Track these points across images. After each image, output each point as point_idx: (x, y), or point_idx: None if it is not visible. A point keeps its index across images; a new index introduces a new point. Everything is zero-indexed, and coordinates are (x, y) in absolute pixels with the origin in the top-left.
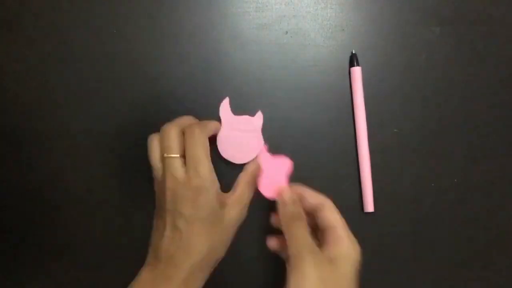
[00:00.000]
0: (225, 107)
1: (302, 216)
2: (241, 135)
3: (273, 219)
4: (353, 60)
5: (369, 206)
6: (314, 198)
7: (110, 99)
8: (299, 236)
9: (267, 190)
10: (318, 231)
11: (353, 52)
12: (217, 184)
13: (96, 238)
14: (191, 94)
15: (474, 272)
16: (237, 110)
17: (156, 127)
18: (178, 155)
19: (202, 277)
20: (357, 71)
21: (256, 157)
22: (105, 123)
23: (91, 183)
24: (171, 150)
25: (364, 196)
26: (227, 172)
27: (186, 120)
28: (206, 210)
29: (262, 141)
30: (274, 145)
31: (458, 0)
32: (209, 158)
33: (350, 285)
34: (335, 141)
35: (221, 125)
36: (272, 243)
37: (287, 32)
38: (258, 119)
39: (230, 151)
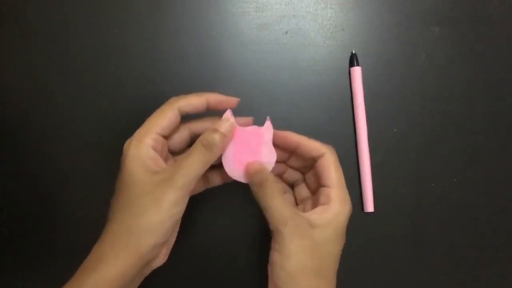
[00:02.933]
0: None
1: (270, 179)
2: (250, 150)
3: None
4: (353, 60)
5: (369, 206)
6: (311, 146)
7: (110, 99)
8: (272, 207)
9: (242, 173)
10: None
11: (353, 52)
12: (145, 148)
13: (96, 238)
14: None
15: (474, 272)
16: (237, 112)
17: None
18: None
19: (132, 263)
20: (357, 71)
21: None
22: (105, 123)
23: (91, 183)
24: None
25: (364, 196)
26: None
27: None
28: (128, 175)
29: (274, 154)
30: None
31: (458, 0)
32: (159, 123)
33: (334, 251)
34: (335, 141)
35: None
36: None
37: (287, 32)
38: (268, 129)
39: (239, 170)
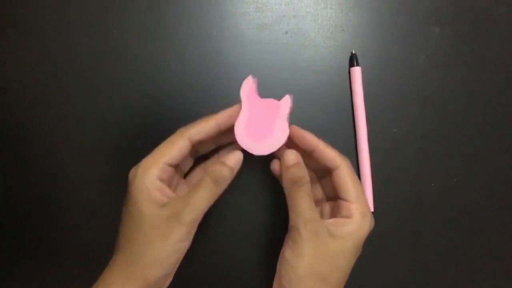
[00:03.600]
0: (247, 87)
1: (305, 181)
2: (263, 121)
3: (275, 166)
4: (353, 60)
5: (369, 206)
6: (327, 156)
7: (110, 99)
8: (299, 207)
9: (252, 143)
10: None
11: (353, 52)
12: (152, 177)
13: (96, 238)
14: (191, 94)
15: (474, 272)
16: None
17: (155, 127)
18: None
19: None
20: (357, 71)
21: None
22: (105, 122)
23: (91, 183)
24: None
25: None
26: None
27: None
28: (135, 205)
29: (287, 131)
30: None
31: (458, 0)
32: (166, 152)
33: (348, 262)
34: (335, 141)
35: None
36: (276, 166)
37: (287, 32)
38: (285, 104)
39: (248, 140)
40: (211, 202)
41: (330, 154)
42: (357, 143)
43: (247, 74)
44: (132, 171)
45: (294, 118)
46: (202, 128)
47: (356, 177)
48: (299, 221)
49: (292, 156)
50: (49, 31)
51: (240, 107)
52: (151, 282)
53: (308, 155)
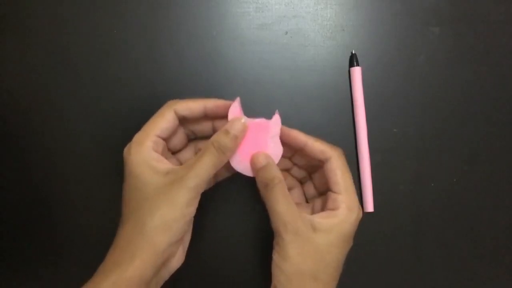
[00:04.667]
0: (235, 110)
1: (277, 182)
2: (255, 142)
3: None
4: (353, 60)
5: (369, 206)
6: (317, 149)
7: (109, 99)
8: (276, 210)
9: (247, 166)
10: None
11: (353, 52)
12: (147, 149)
13: (96, 238)
14: (191, 94)
15: (475, 272)
16: None
17: None
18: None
19: (150, 263)
20: (357, 71)
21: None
22: (105, 122)
23: (91, 183)
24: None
25: (364, 196)
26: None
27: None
28: (133, 177)
29: (281, 149)
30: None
31: (458, 0)
32: (160, 127)
33: (335, 256)
34: (335, 141)
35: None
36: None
37: (287, 32)
38: (276, 123)
39: (244, 163)
40: (215, 169)
41: (319, 147)
42: (357, 143)
43: (247, 74)
44: (126, 149)
45: (294, 118)
46: (189, 105)
47: (347, 168)
48: (279, 224)
49: (259, 159)
50: (49, 31)
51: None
52: (160, 249)
53: (298, 152)
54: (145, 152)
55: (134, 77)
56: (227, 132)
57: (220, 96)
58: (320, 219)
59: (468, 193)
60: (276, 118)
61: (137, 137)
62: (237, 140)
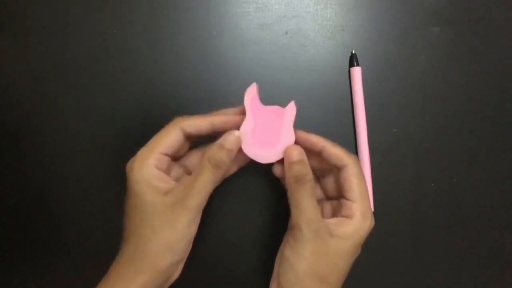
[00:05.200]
0: (251, 95)
1: (309, 179)
2: (268, 129)
3: (276, 170)
4: (353, 60)
5: (371, 206)
6: (334, 155)
7: (109, 99)
8: (302, 205)
9: (259, 152)
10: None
11: (353, 52)
12: (151, 170)
13: (96, 238)
14: (191, 94)
15: (474, 272)
16: None
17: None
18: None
19: (153, 283)
20: (357, 71)
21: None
22: (105, 122)
23: (91, 182)
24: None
25: None
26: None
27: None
28: (137, 198)
29: (294, 137)
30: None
31: (458, 0)
32: (164, 145)
33: (346, 263)
34: (335, 141)
35: (245, 116)
36: (278, 169)
37: (287, 32)
38: (290, 110)
39: (255, 148)
40: (215, 185)
41: (337, 153)
42: (357, 143)
43: (247, 74)
44: (129, 164)
45: (295, 118)
46: (196, 123)
47: (363, 176)
48: (302, 219)
49: (295, 152)
50: (49, 31)
51: (239, 115)
52: (162, 269)
53: (313, 155)
54: (147, 170)
55: (134, 77)
56: (221, 147)
57: (220, 95)
58: (336, 226)
59: (468, 193)
60: (292, 105)
61: (141, 153)
62: (232, 153)
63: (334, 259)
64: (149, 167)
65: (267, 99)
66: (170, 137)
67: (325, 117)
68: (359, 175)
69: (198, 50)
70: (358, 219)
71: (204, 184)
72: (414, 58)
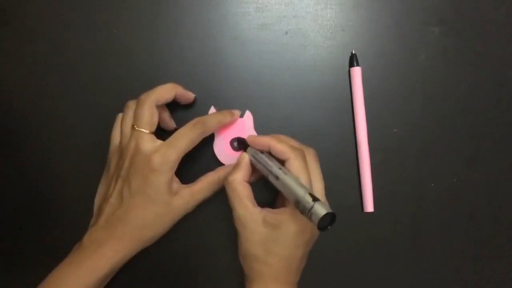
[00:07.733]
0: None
1: (239, 187)
2: (238, 135)
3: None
4: (353, 60)
5: (369, 206)
6: (278, 151)
7: (110, 99)
8: (239, 215)
9: (223, 156)
10: None
11: (353, 52)
12: (172, 172)
13: None
14: None
15: (474, 272)
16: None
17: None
18: (148, 131)
19: (133, 248)
20: (357, 71)
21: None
22: (105, 123)
23: (91, 182)
24: (143, 125)
25: (364, 196)
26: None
27: (164, 91)
28: (152, 189)
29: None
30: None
31: (458, 0)
32: (185, 149)
33: (284, 249)
34: (335, 141)
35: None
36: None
37: (287, 32)
38: (248, 119)
39: (227, 155)
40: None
41: (281, 149)
42: (357, 143)
43: (247, 74)
44: (158, 155)
45: (295, 118)
46: (190, 134)
47: (305, 170)
48: (240, 225)
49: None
50: (49, 31)
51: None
52: (145, 241)
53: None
54: (169, 177)
55: (134, 77)
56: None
57: (220, 95)
58: (273, 214)
59: (468, 193)
60: (248, 114)
61: (170, 155)
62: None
63: (268, 245)
64: (171, 175)
65: (267, 99)
66: (194, 136)
67: (325, 117)
68: (301, 168)
69: (198, 50)
70: (291, 208)
71: (204, 192)
72: (414, 58)
